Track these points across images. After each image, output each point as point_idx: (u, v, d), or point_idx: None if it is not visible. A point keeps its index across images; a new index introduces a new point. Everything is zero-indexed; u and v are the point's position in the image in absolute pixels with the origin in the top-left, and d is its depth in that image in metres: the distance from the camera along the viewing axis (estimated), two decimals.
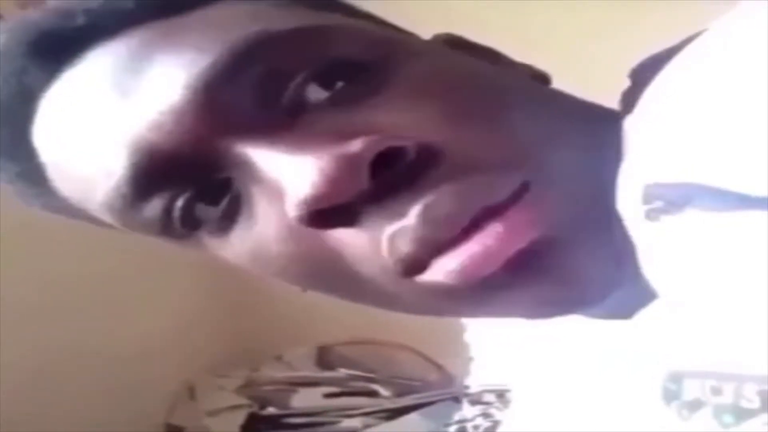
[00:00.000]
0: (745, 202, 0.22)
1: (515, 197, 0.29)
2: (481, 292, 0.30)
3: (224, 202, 0.32)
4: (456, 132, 0.30)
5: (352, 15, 0.37)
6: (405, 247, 0.29)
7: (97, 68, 0.33)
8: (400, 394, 1.49)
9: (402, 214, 0.29)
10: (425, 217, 0.29)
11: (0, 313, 1.30)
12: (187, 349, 1.64)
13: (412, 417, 1.41)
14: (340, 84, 0.31)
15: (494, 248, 0.29)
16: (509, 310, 0.32)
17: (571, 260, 0.30)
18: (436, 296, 0.31)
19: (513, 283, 0.30)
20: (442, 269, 0.30)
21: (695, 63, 0.25)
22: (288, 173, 0.30)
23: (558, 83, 0.39)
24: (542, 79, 0.39)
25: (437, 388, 1.49)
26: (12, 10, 0.91)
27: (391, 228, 0.30)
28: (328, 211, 0.29)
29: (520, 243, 0.29)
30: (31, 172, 0.36)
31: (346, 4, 0.38)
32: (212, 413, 1.50)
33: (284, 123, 0.31)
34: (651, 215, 0.25)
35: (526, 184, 0.29)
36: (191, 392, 1.62)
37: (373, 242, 0.30)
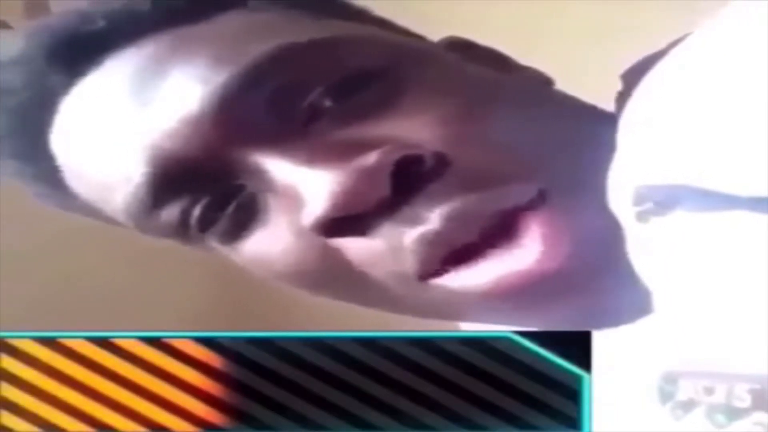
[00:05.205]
0: (731, 202, 0.22)
1: (534, 204, 0.29)
2: (514, 303, 0.31)
3: (231, 208, 0.33)
4: (466, 142, 0.30)
5: (362, 21, 0.37)
6: (428, 249, 0.30)
7: (115, 76, 0.34)
8: None
9: (421, 220, 0.30)
10: (449, 218, 0.29)
11: (2, 311, 1.31)
12: None
13: None
14: (354, 94, 0.32)
15: (529, 265, 0.29)
16: (530, 323, 0.32)
17: (597, 276, 0.30)
18: (444, 301, 0.31)
19: (545, 299, 0.30)
20: (478, 276, 0.30)
21: (682, 65, 0.26)
22: (306, 184, 0.30)
23: (559, 85, 0.39)
24: (546, 82, 0.39)
25: None
26: (19, 19, 0.91)
27: (412, 233, 0.30)
28: (342, 221, 0.30)
29: (553, 262, 0.29)
30: (48, 174, 0.37)
31: (355, 10, 0.38)
32: None
33: (300, 133, 0.31)
34: (641, 217, 0.25)
35: (543, 193, 0.30)
36: None
37: (386, 247, 0.30)
